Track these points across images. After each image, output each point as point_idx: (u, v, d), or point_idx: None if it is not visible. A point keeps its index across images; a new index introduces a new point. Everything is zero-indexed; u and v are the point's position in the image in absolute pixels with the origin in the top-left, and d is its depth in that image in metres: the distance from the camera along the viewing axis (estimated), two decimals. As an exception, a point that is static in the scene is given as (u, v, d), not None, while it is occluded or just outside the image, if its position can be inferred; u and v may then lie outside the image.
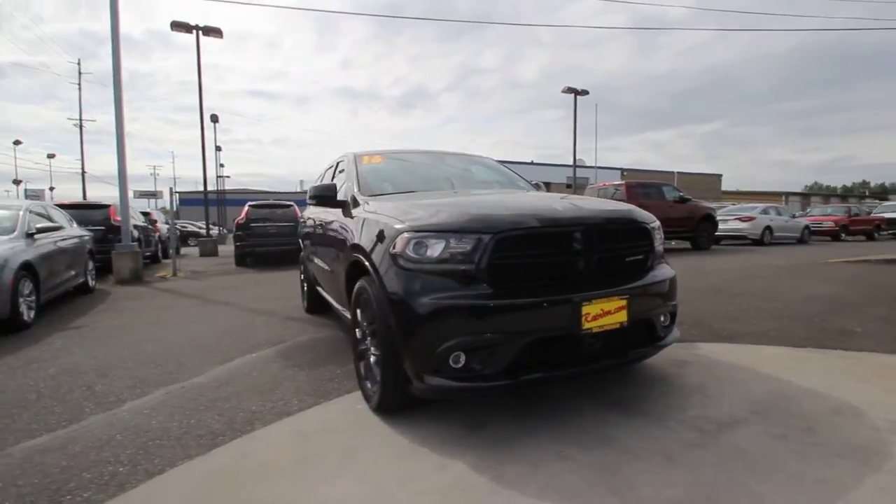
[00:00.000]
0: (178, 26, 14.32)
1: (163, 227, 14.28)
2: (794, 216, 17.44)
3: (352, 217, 3.00)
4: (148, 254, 11.36)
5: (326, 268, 3.57)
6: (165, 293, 7.06)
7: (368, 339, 2.50)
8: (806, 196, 50.02)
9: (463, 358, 1.97)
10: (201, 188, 16.87)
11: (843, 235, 17.45)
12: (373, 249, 2.33)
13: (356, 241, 2.63)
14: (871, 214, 19.15)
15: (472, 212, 2.19)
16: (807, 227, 16.42)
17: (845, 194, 64.83)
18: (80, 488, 1.84)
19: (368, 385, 2.49)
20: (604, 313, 2.09)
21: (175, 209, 10.29)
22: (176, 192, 10.24)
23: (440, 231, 2.08)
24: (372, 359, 2.46)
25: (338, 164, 4.15)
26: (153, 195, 46.07)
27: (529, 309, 2.00)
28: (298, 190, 65.95)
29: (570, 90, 23.72)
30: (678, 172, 44.93)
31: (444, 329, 1.96)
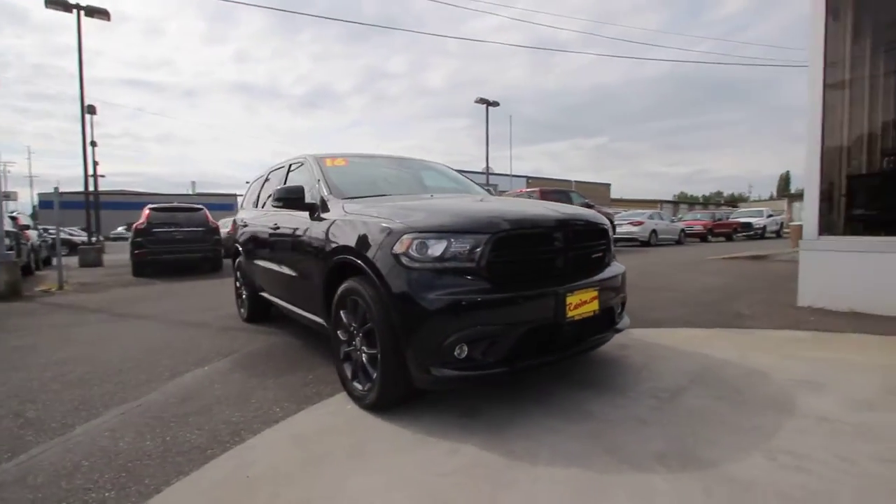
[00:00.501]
0: (54, 3, 12.39)
1: (32, 234, 12.25)
2: (672, 220, 20.14)
3: (322, 220, 2.99)
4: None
5: (288, 272, 3.47)
6: (60, 308, 6.14)
7: (357, 339, 2.54)
8: (675, 204, 57.84)
9: (466, 349, 2.13)
10: (64, 189, 14.68)
11: (710, 237, 20.55)
12: (368, 250, 2.38)
13: (342, 242, 2.65)
14: (730, 219, 22.77)
15: (470, 214, 2.37)
16: (683, 230, 19.09)
17: (705, 202, 75.99)
18: (67, 519, 1.66)
19: (358, 385, 2.52)
20: (582, 303, 2.39)
21: (57, 211, 8.86)
22: (58, 192, 8.83)
23: (442, 231, 2.22)
24: (364, 357, 2.50)
25: (290, 166, 4.04)
26: (7, 197, 38.89)
27: (524, 301, 2.23)
28: (191, 192, 59.85)
29: (482, 101, 24.83)
30: (575, 181, 49.11)
31: (450, 323, 2.11)
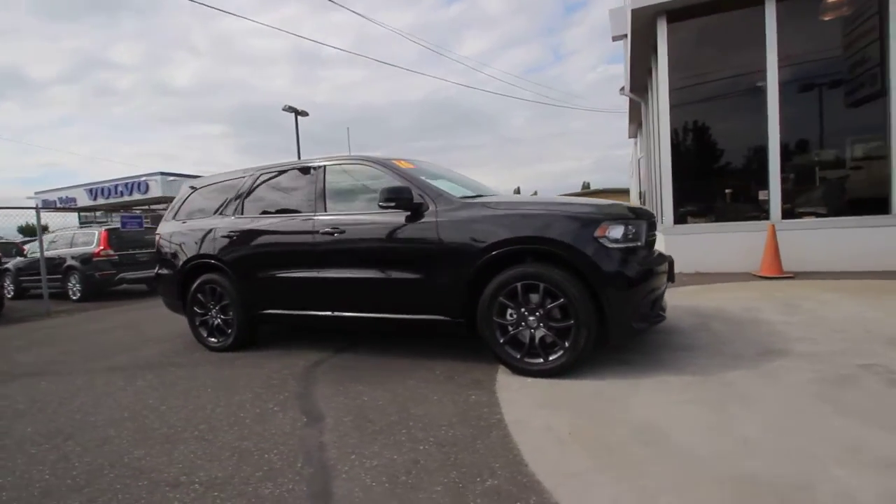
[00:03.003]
0: None
1: None
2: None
3: (435, 220, 3.09)
4: None
5: (376, 276, 3.31)
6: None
7: (532, 317, 2.86)
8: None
9: (649, 305, 2.82)
10: None
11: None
12: (567, 237, 2.75)
13: (505, 236, 2.89)
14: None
15: (624, 206, 3.03)
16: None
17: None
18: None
19: (537, 360, 2.86)
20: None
21: None
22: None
23: (624, 218, 2.83)
24: (539, 333, 2.86)
25: (325, 168, 3.73)
26: None
27: (664, 270, 3.05)
28: None
29: (290, 109, 23.69)
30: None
31: (645, 287, 2.76)
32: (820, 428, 2.03)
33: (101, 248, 8.96)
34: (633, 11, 6.14)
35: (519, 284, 2.88)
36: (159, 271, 4.58)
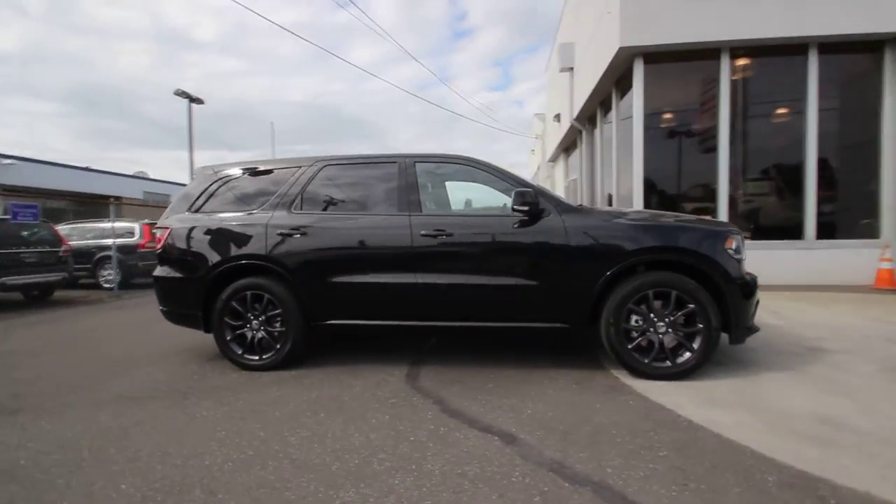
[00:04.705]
0: None
1: None
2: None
3: (554, 225, 3.12)
4: None
5: (501, 282, 3.16)
6: None
7: (661, 322, 3.02)
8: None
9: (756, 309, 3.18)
10: None
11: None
12: (703, 248, 2.99)
13: (648, 244, 3.03)
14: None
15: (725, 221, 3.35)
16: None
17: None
18: None
19: (673, 360, 3.02)
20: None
21: None
22: None
23: (739, 233, 3.14)
24: (669, 338, 3.03)
25: (413, 162, 3.44)
26: None
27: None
28: None
29: (183, 94, 20.83)
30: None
31: (757, 293, 3.10)
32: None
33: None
34: (620, 49, 6.83)
35: (650, 292, 3.01)
36: (165, 275, 3.71)
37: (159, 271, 3.75)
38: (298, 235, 3.43)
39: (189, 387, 3.17)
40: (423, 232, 3.26)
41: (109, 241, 8.40)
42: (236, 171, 3.81)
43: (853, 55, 6.91)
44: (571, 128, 11.54)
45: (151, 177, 32.43)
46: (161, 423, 2.57)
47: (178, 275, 3.66)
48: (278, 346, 3.45)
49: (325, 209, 3.54)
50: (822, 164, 7.00)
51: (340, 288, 3.36)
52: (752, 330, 3.12)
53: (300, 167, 3.66)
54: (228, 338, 3.51)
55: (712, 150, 7.24)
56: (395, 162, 3.52)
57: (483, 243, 3.25)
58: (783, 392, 2.78)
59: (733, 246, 3.06)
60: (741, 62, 7.10)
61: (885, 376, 3.02)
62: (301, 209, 3.54)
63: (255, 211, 3.60)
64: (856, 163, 7.12)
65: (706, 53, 7.00)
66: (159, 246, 3.73)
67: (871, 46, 6.75)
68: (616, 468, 1.97)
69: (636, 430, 2.34)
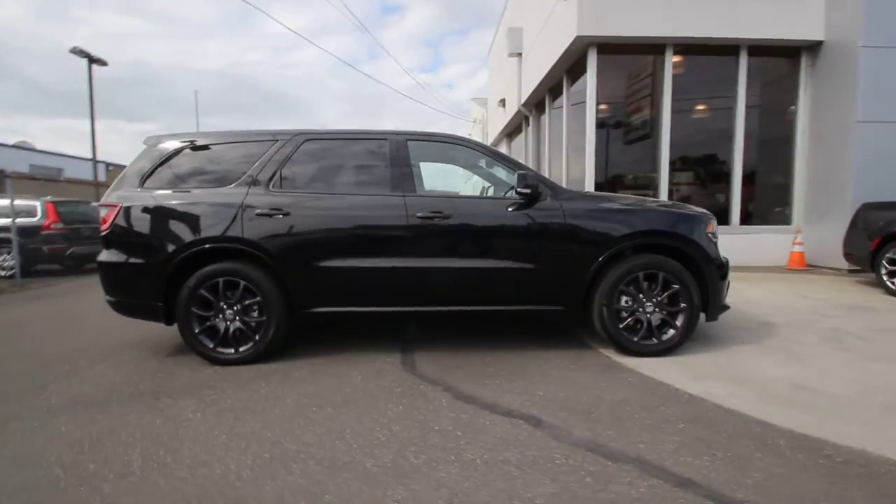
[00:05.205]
0: None
1: None
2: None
3: (552, 209, 3.15)
4: None
5: (488, 265, 3.11)
6: None
7: (650, 303, 3.18)
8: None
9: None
10: None
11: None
12: (690, 232, 3.17)
13: (642, 227, 3.15)
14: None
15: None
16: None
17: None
18: None
19: (660, 337, 3.19)
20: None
21: None
22: None
23: (714, 218, 3.37)
24: (655, 317, 3.20)
25: (409, 138, 3.27)
26: None
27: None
28: None
29: (80, 52, 18.15)
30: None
31: (728, 273, 3.36)
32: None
33: None
34: (577, 38, 6.99)
35: (641, 273, 3.15)
36: (113, 260, 3.21)
37: (106, 255, 3.24)
38: (281, 216, 3.12)
39: (158, 386, 2.81)
40: (419, 213, 3.12)
41: (5, 222, 7.15)
42: (199, 143, 3.37)
43: (776, 58, 7.68)
44: (518, 113, 11.72)
45: (38, 147, 28.30)
46: (141, 430, 2.24)
47: (131, 259, 3.19)
48: (257, 338, 3.15)
49: (309, 187, 3.26)
50: (746, 157, 7.77)
51: (330, 273, 3.13)
52: (725, 308, 3.39)
53: (276, 140, 3.32)
54: (197, 330, 3.14)
55: (645, 138, 7.77)
56: (385, 139, 3.32)
57: (483, 227, 3.20)
58: (754, 363, 3.07)
59: (712, 230, 3.29)
60: (680, 58, 7.61)
61: (828, 345, 3.44)
62: (280, 187, 3.23)
63: (224, 188, 3.22)
64: (773, 156, 8.00)
65: (653, 48, 7.40)
66: (106, 226, 3.21)
67: (790, 52, 7.55)
68: (647, 443, 2.05)
69: (647, 405, 2.45)
